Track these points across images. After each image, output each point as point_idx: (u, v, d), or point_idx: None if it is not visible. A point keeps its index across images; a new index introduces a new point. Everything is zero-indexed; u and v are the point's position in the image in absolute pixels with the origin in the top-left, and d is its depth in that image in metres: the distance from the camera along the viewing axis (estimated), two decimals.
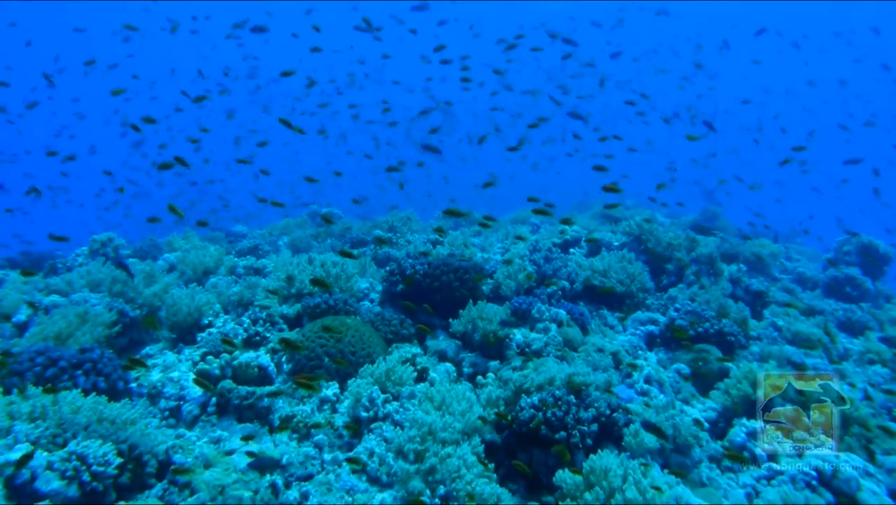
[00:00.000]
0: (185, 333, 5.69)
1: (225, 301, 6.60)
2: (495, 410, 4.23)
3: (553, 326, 5.83)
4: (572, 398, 4.15)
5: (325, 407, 4.48)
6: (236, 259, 8.57)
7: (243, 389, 4.32)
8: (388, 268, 6.27)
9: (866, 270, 10.97)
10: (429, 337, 5.93)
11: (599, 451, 3.87)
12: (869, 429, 4.99)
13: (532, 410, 4.03)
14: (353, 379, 4.56)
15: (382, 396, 4.30)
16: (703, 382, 6.04)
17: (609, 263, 7.89)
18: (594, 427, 4.01)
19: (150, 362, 5.11)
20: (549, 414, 3.96)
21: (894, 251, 11.56)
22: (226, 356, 4.69)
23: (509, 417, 4.13)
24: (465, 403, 4.10)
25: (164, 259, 9.13)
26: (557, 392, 4.17)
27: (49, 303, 5.80)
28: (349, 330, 4.90)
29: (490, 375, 5.03)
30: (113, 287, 5.59)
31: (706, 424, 5.41)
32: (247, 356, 4.70)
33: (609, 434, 4.17)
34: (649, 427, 4.00)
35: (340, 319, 5.01)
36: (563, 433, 3.93)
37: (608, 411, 4.18)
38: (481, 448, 3.90)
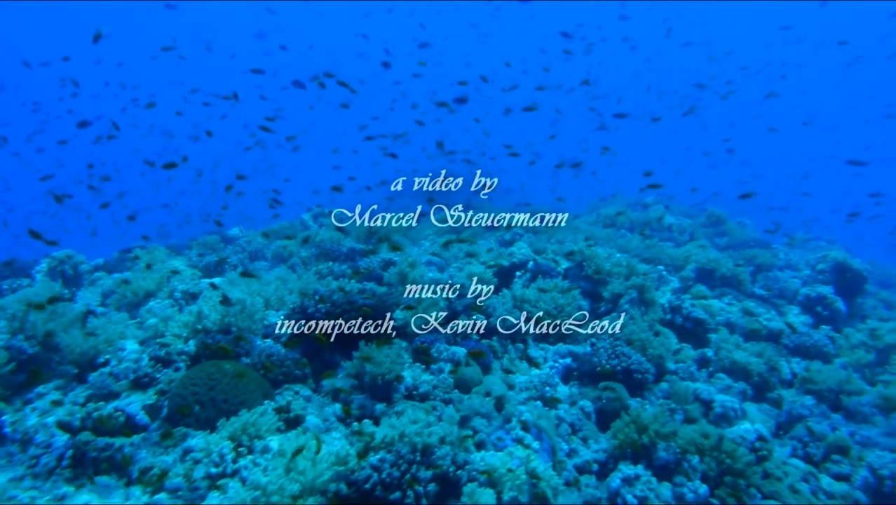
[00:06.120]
0: (86, 368, 5.79)
1: (146, 332, 6.71)
2: (343, 466, 4.24)
3: (447, 367, 5.81)
4: (417, 456, 4.15)
5: (188, 458, 4.54)
6: (176, 283, 8.67)
7: (101, 441, 4.39)
8: (290, 305, 6.31)
9: (841, 288, 10.70)
10: (328, 376, 5.96)
11: None
12: (745, 477, 4.92)
13: (370, 470, 4.04)
14: (215, 432, 4.62)
15: (234, 452, 4.34)
16: (609, 419, 5.98)
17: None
18: (431, 487, 4.00)
19: (35, 403, 5.23)
20: (384, 475, 3.97)
21: (870, 270, 11.28)
22: (90, 405, 4.78)
23: (353, 476, 4.14)
24: (308, 462, 4.12)
25: (112, 279, 9.28)
26: (403, 449, 4.17)
27: None
28: (224, 377, 4.94)
29: (366, 422, 5.04)
30: (12, 321, 5.71)
31: (595, 466, 5.37)
32: (112, 405, 4.78)
33: (453, 492, 4.16)
34: (485, 484, 3.99)
35: (218, 365, 5.06)
36: (397, 494, 3.94)
37: (453, 468, 4.17)
38: None
